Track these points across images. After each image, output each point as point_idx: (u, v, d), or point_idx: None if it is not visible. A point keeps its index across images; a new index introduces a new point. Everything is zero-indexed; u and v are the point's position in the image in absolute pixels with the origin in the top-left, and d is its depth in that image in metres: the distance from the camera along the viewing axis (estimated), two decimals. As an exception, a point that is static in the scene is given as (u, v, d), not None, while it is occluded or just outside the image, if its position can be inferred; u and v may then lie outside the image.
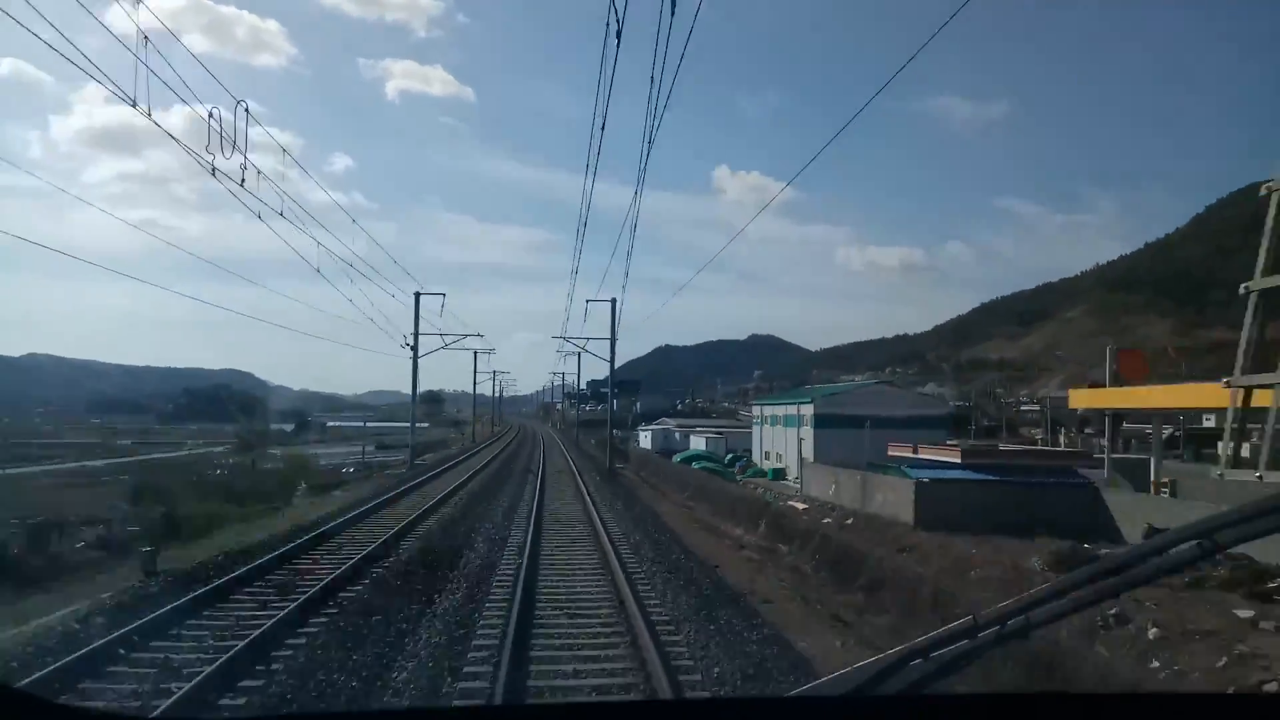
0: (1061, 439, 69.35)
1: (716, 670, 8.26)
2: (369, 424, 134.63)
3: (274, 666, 8.19)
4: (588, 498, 24.59)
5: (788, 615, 12.41)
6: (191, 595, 10.77)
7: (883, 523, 22.14)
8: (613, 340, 37.79)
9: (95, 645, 8.49)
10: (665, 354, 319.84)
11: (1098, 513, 23.06)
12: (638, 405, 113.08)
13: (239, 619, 9.97)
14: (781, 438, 51.41)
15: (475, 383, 64.70)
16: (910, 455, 30.95)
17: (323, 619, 10.02)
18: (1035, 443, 63.58)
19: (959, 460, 27.23)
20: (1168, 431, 70.76)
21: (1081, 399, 38.97)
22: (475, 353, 58.52)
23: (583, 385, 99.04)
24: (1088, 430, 69.24)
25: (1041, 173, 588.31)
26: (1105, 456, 32.73)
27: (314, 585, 11.46)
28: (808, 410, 48.12)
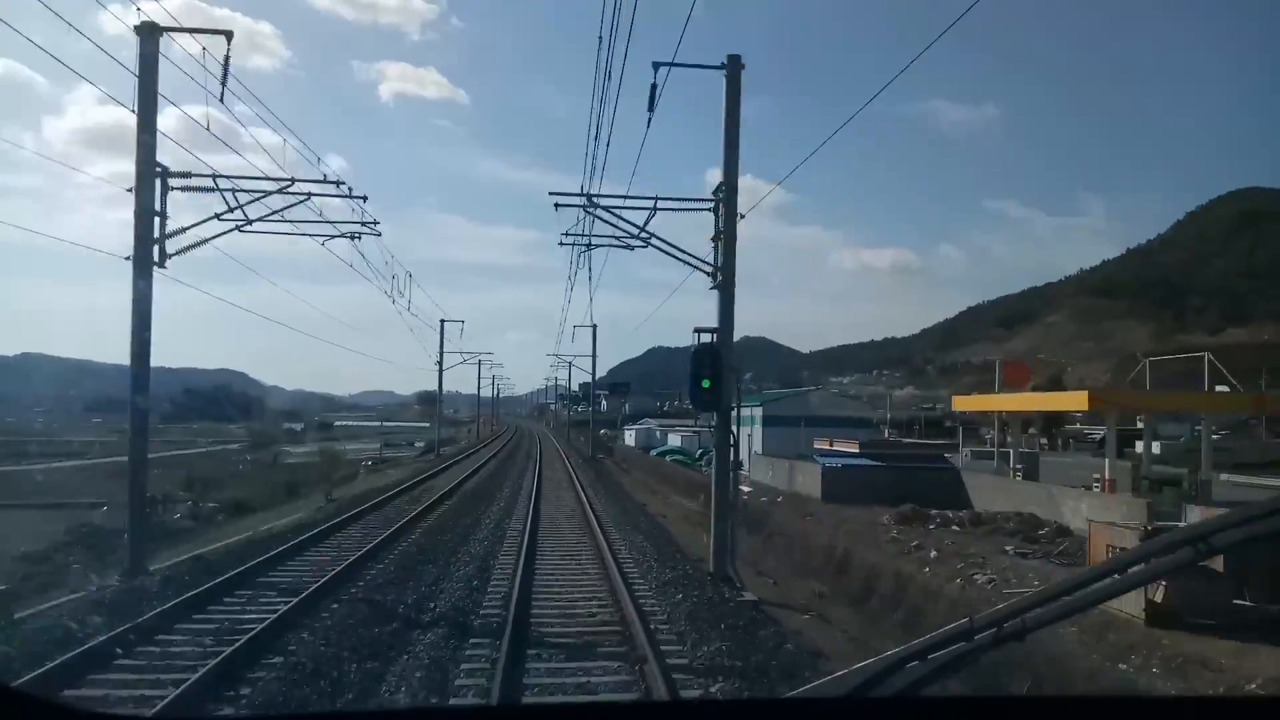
0: (1008, 437, 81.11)
1: (620, 527, 19.66)
2: (381, 424, 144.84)
3: (435, 515, 19.65)
4: (572, 473, 36.00)
5: (675, 525, 23.68)
6: (371, 503, 22.16)
7: (801, 498, 31.31)
8: (594, 358, 49.27)
9: (347, 515, 19.80)
10: (658, 355, 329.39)
11: (958, 489, 33.59)
12: (626, 406, 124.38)
13: (400, 510, 21.34)
14: (743, 435, 62.85)
15: (479, 389, 76.46)
16: (826, 447, 42.25)
17: (442, 507, 21.50)
18: (984, 442, 74.90)
19: (857, 451, 38.46)
20: (1103, 432, 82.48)
21: (961, 403, 50.37)
22: (479, 362, 69.95)
23: (575, 387, 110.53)
24: (1031, 430, 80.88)
25: (1033, 175, 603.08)
26: (995, 450, 43.57)
27: (429, 499, 22.91)
28: (758, 412, 59.60)
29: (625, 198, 14.47)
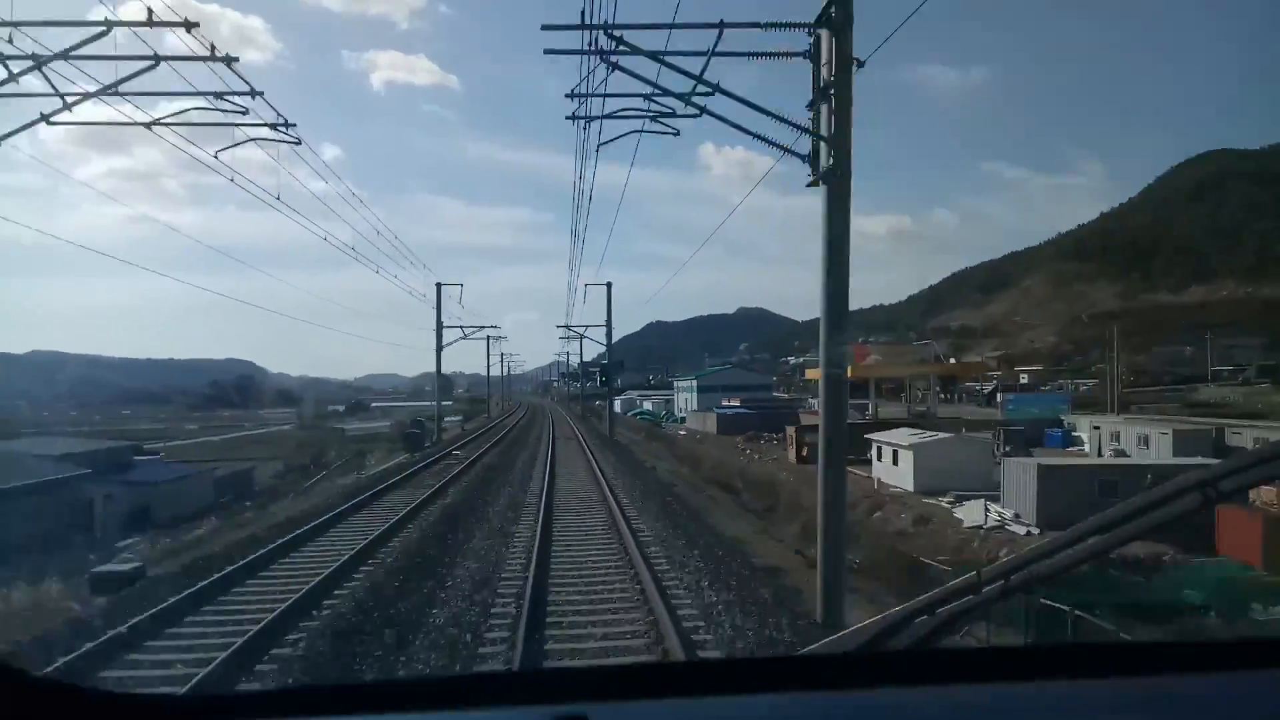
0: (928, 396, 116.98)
1: (586, 434, 55.44)
2: (405, 404, 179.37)
3: (516, 430, 55.81)
4: (571, 423, 71.69)
5: (630, 443, 59.00)
6: (486, 429, 58.09)
7: (707, 434, 68.69)
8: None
9: (481, 431, 55.57)
10: (657, 330, 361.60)
11: (798, 420, 68.99)
12: (619, 381, 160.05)
13: (499, 429, 57.22)
14: (685, 399, 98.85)
15: (504, 373, 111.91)
16: (725, 404, 78.41)
17: (515, 430, 57.70)
18: (898, 399, 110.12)
19: (739, 404, 74.67)
20: (992, 387, 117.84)
21: (811, 374, 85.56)
22: (503, 355, 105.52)
23: (575, 366, 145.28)
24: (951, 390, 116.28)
25: (1026, 136, 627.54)
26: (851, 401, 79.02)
27: (507, 428, 58.98)
28: (694, 383, 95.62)
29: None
